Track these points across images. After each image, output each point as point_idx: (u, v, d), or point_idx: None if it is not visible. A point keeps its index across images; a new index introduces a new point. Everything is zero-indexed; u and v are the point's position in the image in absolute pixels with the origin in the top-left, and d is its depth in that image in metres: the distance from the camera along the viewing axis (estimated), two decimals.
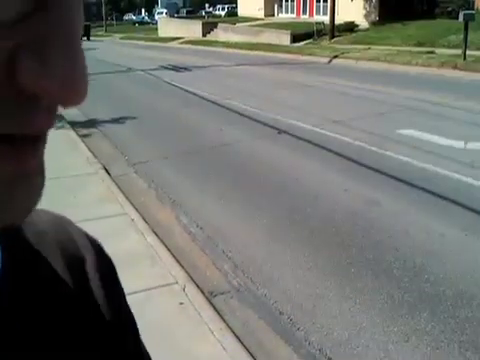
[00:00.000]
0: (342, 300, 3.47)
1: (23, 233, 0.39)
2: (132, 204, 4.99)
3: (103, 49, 30.48)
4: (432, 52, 16.68)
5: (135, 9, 77.82)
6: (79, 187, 5.50)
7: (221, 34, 29.91)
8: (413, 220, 4.68)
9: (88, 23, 49.62)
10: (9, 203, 0.26)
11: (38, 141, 0.25)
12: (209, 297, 3.46)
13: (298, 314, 3.34)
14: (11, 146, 0.24)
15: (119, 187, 5.49)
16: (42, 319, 0.35)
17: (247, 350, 2.90)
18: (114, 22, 61.79)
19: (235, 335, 3.00)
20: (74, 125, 8.83)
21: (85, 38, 45.43)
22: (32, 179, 0.26)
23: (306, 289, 3.62)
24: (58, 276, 0.39)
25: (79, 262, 0.43)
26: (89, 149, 7.07)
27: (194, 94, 12.17)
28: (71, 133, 8.12)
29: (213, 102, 10.98)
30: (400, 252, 4.06)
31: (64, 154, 6.90)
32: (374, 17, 25.49)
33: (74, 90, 0.23)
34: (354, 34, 23.14)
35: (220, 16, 47.47)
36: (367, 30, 23.66)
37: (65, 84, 0.22)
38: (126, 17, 74.00)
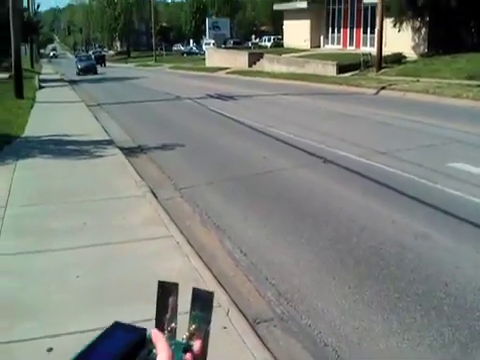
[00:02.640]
0: (389, 335, 3.36)
1: None
2: (178, 227, 5.06)
3: (153, 78, 31.47)
4: None
5: (184, 40, 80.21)
6: (127, 209, 5.63)
7: (267, 64, 30.33)
8: (464, 255, 4.52)
9: (103, 54, 63.05)
10: None
11: None
12: (253, 324, 3.43)
13: (343, 346, 3.26)
14: None
15: (165, 210, 5.58)
16: None
17: None
18: (163, 52, 63.87)
19: None
20: (123, 150, 9.11)
21: (103, 65, 51.86)
22: None
23: (352, 321, 3.54)
24: None
25: None
26: (137, 173, 7.25)
27: (239, 122, 12.33)
28: (121, 157, 8.37)
29: (258, 130, 11.08)
30: (450, 288, 3.92)
31: (114, 177, 7.11)
32: (423, 49, 25.23)
33: None
34: (402, 66, 22.92)
35: (266, 47, 48.22)
36: (415, 62, 23.40)
37: None
38: (175, 47, 76.30)
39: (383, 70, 22.34)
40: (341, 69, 24.08)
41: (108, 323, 2.40)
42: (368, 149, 8.71)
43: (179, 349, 0.54)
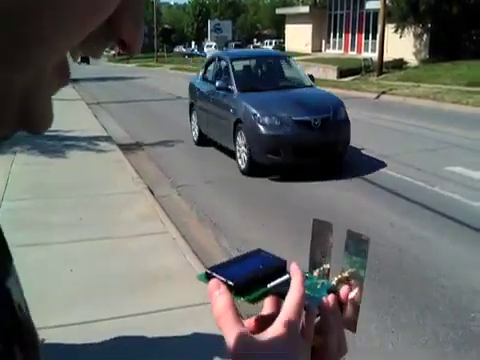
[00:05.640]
0: (384, 333, 3.35)
1: None
2: (174, 224, 5.04)
3: (154, 79, 31.46)
4: None
5: (185, 42, 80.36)
6: (124, 204, 5.61)
7: None
8: (460, 257, 4.51)
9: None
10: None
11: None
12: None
13: None
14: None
15: (162, 207, 5.56)
16: None
17: None
18: (165, 53, 63.93)
19: None
20: (122, 147, 9.09)
21: (85, 63, 53.89)
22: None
23: None
24: None
25: None
26: (135, 170, 7.23)
27: None
28: (119, 154, 8.35)
29: None
30: (446, 289, 3.90)
31: (111, 173, 7.09)
32: (424, 55, 25.28)
33: (140, 42, 0.33)
34: (403, 71, 22.97)
35: None
36: (416, 68, 23.45)
37: (139, 39, 0.32)
38: (176, 49, 76.39)
39: (384, 75, 22.39)
40: (342, 73, 24.10)
41: (100, 316, 2.37)
42: (368, 152, 8.69)
43: (323, 289, 0.51)
